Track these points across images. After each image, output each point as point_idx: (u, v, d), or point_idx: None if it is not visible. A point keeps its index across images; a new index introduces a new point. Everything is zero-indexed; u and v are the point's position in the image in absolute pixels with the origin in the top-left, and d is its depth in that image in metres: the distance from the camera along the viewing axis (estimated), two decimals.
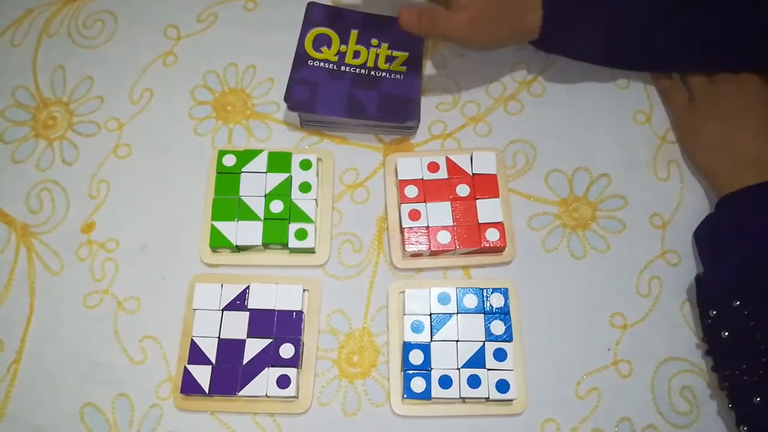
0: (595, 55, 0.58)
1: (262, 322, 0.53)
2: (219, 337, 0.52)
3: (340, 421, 0.52)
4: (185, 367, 0.51)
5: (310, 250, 0.56)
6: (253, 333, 0.52)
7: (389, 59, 0.61)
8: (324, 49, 0.61)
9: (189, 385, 0.51)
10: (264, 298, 0.53)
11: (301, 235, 0.55)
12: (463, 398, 0.51)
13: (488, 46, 0.60)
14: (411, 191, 0.56)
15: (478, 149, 0.58)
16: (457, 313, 0.53)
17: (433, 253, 0.55)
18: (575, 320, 0.55)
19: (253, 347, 0.52)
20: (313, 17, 0.62)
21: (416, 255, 0.56)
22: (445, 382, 0.50)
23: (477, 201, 0.56)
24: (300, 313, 0.53)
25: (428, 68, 0.64)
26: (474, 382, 0.50)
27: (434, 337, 0.52)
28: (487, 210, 0.55)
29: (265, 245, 0.56)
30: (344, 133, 0.62)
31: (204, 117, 0.62)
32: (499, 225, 0.55)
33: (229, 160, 0.57)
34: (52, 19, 0.67)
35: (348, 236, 0.58)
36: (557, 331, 0.54)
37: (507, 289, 0.54)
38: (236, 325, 0.53)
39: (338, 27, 0.62)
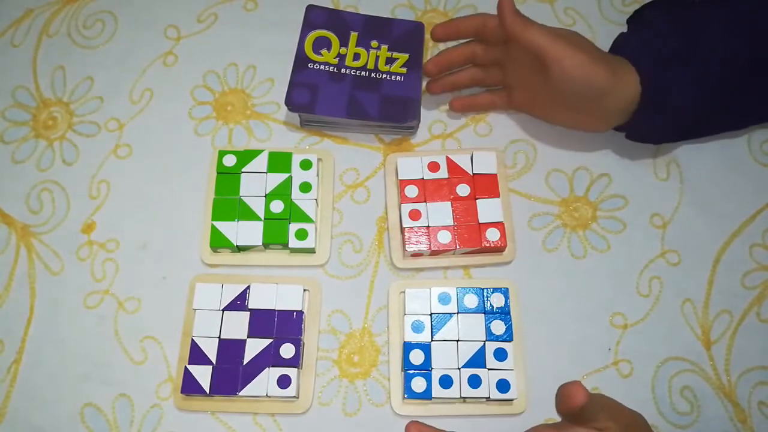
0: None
1: (263, 322, 0.53)
2: (219, 337, 0.52)
3: (341, 421, 0.52)
4: (186, 367, 0.51)
5: (311, 250, 0.56)
6: (253, 333, 0.52)
7: (389, 61, 0.61)
8: (324, 51, 0.61)
9: (189, 385, 0.51)
10: (264, 298, 0.53)
11: (302, 235, 0.55)
12: (464, 398, 0.51)
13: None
14: (411, 191, 0.56)
15: (479, 149, 0.58)
16: (458, 312, 0.53)
17: (434, 253, 0.55)
18: (575, 320, 0.55)
19: (254, 347, 0.52)
20: (312, 20, 0.62)
21: (416, 255, 0.56)
22: (446, 381, 0.51)
23: (477, 201, 0.56)
24: (300, 313, 0.53)
25: None
26: (474, 381, 0.50)
27: (435, 337, 0.52)
28: (487, 210, 0.55)
29: (266, 245, 0.56)
30: (344, 133, 0.62)
31: (204, 117, 0.62)
32: (499, 225, 0.55)
33: (230, 160, 0.57)
34: (52, 20, 0.67)
35: (348, 236, 0.58)
36: (557, 331, 0.54)
37: (507, 288, 0.54)
38: (237, 325, 0.53)
39: (338, 29, 0.62)
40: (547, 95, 0.55)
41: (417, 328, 0.52)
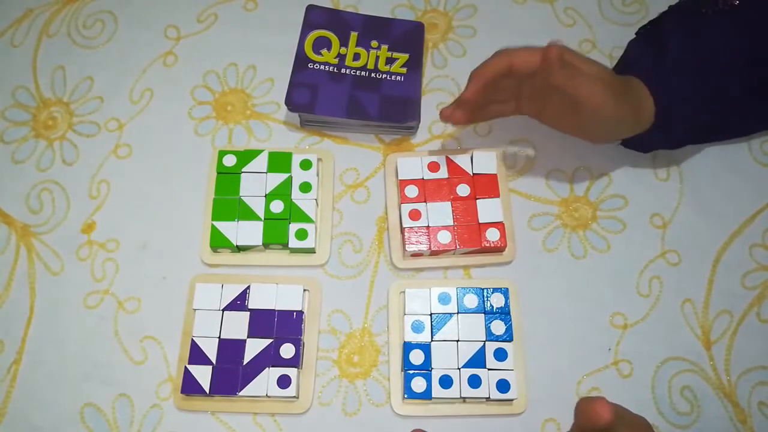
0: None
1: (263, 322, 0.53)
2: (219, 337, 0.52)
3: (341, 421, 0.52)
4: (186, 367, 0.51)
5: (311, 250, 0.56)
6: (253, 333, 0.52)
7: (389, 61, 0.61)
8: (324, 51, 0.61)
9: (189, 385, 0.51)
10: (264, 298, 0.53)
11: (302, 235, 0.55)
12: (464, 398, 0.51)
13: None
14: (411, 191, 0.56)
15: (479, 149, 0.58)
16: (458, 312, 0.53)
17: (434, 253, 0.55)
18: (575, 320, 0.55)
19: (254, 347, 0.52)
20: (312, 20, 0.62)
21: (416, 255, 0.56)
22: (446, 381, 0.50)
23: (477, 201, 0.56)
24: (300, 313, 0.53)
25: (428, 68, 0.64)
26: (474, 381, 0.50)
27: (435, 337, 0.52)
28: (487, 210, 0.55)
29: (266, 245, 0.56)
30: (344, 133, 0.62)
31: (204, 117, 0.62)
32: (499, 225, 0.55)
33: (230, 160, 0.57)
34: (52, 20, 0.67)
35: (348, 236, 0.58)
36: (557, 331, 0.54)
37: (507, 288, 0.54)
38: (237, 325, 0.53)
39: (338, 29, 0.62)
40: (561, 113, 0.53)
41: (417, 328, 0.52)
